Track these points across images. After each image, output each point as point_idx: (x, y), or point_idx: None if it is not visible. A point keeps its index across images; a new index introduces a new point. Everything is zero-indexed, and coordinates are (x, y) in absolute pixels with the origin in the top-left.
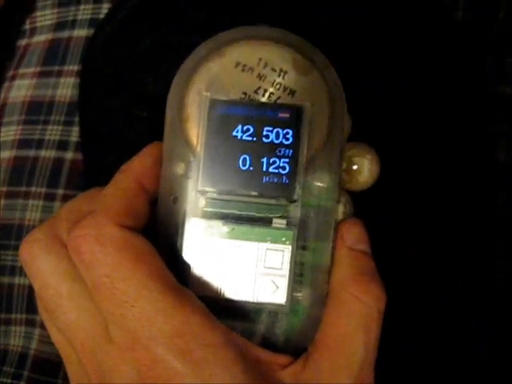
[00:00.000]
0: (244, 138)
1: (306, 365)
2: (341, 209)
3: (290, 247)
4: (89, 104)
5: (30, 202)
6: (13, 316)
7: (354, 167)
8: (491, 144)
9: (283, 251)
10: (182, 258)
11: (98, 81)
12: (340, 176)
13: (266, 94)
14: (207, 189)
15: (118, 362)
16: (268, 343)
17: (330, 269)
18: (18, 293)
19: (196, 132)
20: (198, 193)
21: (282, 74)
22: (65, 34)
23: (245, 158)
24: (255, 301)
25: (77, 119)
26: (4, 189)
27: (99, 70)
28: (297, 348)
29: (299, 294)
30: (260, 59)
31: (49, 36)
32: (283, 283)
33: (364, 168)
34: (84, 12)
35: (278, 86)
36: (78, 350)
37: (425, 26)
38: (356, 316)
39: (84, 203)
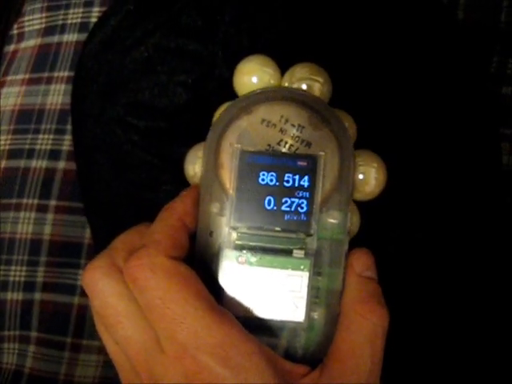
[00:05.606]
0: (268, 182)
1: (322, 374)
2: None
3: (307, 274)
4: (82, 113)
5: (22, 214)
6: (6, 333)
7: (360, 176)
8: (496, 147)
9: (302, 277)
10: (217, 282)
11: (91, 89)
12: (348, 214)
13: (287, 146)
14: (238, 225)
15: (169, 368)
16: (289, 355)
17: (342, 292)
18: (10, 309)
19: (229, 177)
20: (230, 228)
21: (300, 128)
22: (54, 38)
23: (269, 200)
24: (278, 319)
25: (69, 127)
26: None
27: (92, 77)
28: (313, 360)
29: (315, 314)
30: (281, 116)
31: (37, 41)
32: (302, 304)
33: (370, 177)
34: (74, 16)
35: (296, 139)
36: (132, 359)
37: (424, 28)
38: (363, 332)
39: (135, 236)
